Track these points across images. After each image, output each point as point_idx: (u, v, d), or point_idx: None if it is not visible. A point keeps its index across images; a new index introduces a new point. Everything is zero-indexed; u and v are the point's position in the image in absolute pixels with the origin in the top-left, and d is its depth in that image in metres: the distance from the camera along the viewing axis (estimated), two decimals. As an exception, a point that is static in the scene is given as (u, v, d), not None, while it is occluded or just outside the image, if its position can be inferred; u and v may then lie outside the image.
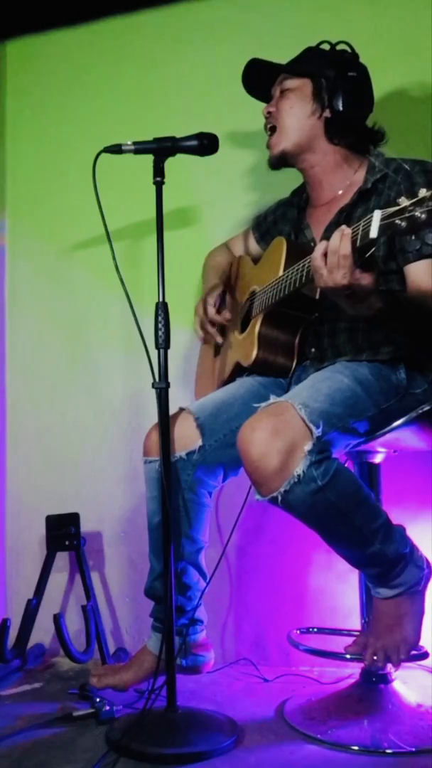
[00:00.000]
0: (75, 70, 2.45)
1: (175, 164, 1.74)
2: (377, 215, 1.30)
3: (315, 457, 1.45)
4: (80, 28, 2.43)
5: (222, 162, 1.87)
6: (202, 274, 2.08)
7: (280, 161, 1.81)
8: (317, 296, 1.67)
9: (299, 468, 1.44)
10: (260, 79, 1.85)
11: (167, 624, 1.63)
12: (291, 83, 1.78)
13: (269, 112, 1.81)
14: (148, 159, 1.72)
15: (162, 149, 1.71)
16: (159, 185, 1.70)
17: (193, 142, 1.72)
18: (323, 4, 2.22)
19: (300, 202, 1.90)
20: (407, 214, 1.27)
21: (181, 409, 1.82)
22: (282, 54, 1.83)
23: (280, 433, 1.46)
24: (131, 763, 1.48)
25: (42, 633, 2.17)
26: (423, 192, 1.26)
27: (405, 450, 1.79)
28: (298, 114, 1.77)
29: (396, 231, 1.29)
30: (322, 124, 1.76)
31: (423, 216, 1.26)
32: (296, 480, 1.44)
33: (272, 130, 1.81)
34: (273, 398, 1.54)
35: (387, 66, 2.05)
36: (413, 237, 1.32)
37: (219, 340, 1.88)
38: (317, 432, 1.46)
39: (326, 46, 1.80)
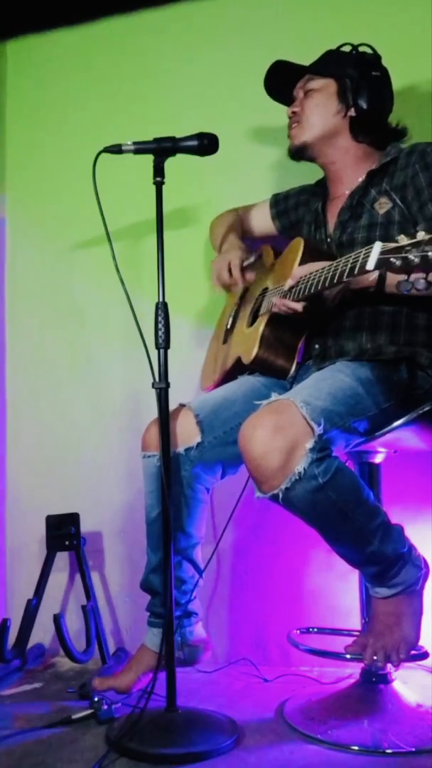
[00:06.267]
0: (75, 70, 2.45)
1: (175, 164, 1.74)
2: (377, 248, 1.32)
3: (316, 454, 1.45)
4: (80, 28, 2.43)
5: (222, 162, 1.87)
6: (211, 232, 2.07)
7: (299, 152, 1.84)
8: (328, 305, 1.68)
9: (300, 465, 1.44)
10: (281, 81, 1.87)
11: (167, 621, 1.63)
12: (315, 84, 1.81)
13: (294, 112, 1.83)
14: (148, 159, 1.72)
15: (162, 149, 1.71)
16: (159, 185, 1.70)
17: (193, 142, 1.73)
18: (323, 4, 2.22)
19: (324, 193, 1.92)
20: (403, 254, 1.28)
21: (182, 405, 1.82)
22: (282, 54, 1.83)
23: (281, 430, 1.46)
24: (131, 763, 1.48)
25: (42, 633, 2.17)
26: (421, 235, 1.27)
27: (405, 450, 1.79)
28: (323, 112, 1.80)
29: (390, 267, 1.30)
30: (347, 123, 1.79)
31: (416, 260, 1.27)
32: (297, 477, 1.44)
33: None
34: (274, 396, 1.55)
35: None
36: (406, 278, 1.34)
37: (240, 285, 1.87)
38: (319, 430, 1.46)
39: (347, 48, 1.82)
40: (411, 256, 1.27)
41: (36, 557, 2.21)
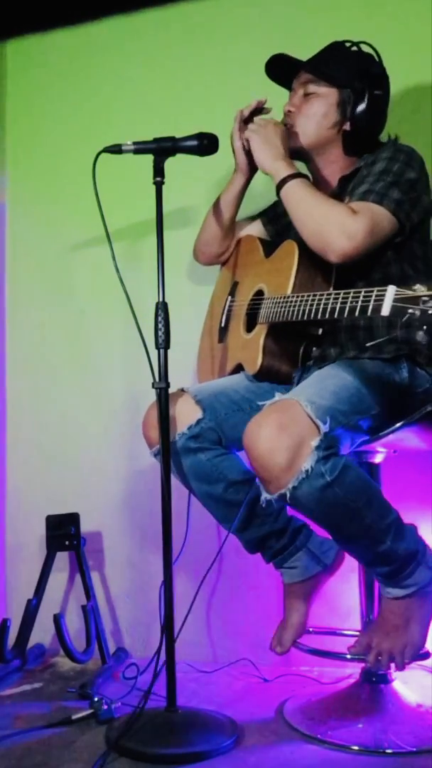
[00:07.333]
0: (75, 70, 2.44)
1: (175, 164, 1.74)
2: (391, 292, 1.28)
3: (322, 452, 1.45)
4: (80, 28, 2.43)
5: (222, 162, 1.87)
6: (212, 208, 2.02)
7: (291, 154, 1.80)
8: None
9: (307, 463, 1.43)
10: (282, 68, 1.83)
11: (167, 622, 1.62)
12: (317, 88, 1.77)
13: (290, 111, 1.81)
14: (148, 159, 1.72)
15: (162, 149, 1.71)
16: (159, 185, 1.70)
17: (193, 142, 1.73)
18: (323, 4, 2.22)
19: None
20: (421, 306, 1.24)
21: (181, 390, 1.81)
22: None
23: (286, 429, 1.45)
24: (131, 763, 1.48)
25: (42, 633, 2.17)
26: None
27: (405, 450, 1.79)
28: (321, 122, 1.78)
29: (410, 320, 1.26)
30: (341, 137, 1.79)
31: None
32: (304, 476, 1.44)
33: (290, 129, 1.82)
34: (278, 395, 1.54)
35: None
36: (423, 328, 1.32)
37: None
38: (324, 428, 1.46)
39: (348, 44, 1.79)
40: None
41: (36, 557, 2.21)
